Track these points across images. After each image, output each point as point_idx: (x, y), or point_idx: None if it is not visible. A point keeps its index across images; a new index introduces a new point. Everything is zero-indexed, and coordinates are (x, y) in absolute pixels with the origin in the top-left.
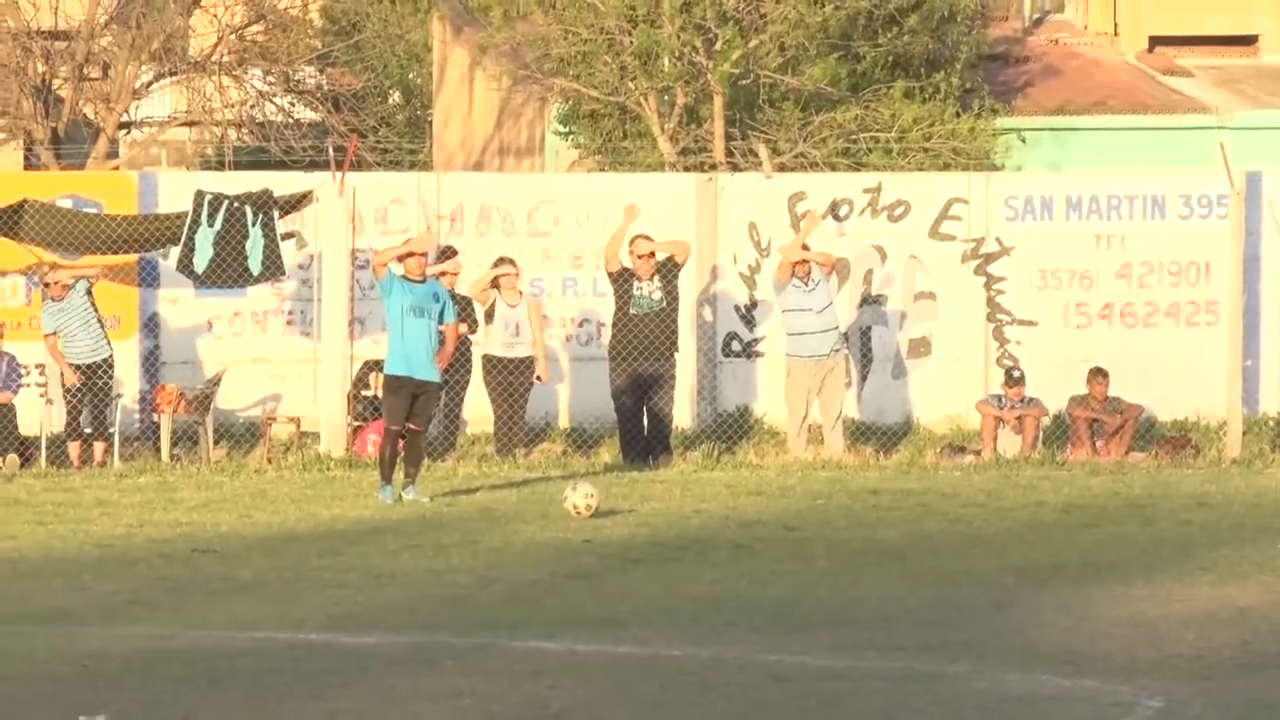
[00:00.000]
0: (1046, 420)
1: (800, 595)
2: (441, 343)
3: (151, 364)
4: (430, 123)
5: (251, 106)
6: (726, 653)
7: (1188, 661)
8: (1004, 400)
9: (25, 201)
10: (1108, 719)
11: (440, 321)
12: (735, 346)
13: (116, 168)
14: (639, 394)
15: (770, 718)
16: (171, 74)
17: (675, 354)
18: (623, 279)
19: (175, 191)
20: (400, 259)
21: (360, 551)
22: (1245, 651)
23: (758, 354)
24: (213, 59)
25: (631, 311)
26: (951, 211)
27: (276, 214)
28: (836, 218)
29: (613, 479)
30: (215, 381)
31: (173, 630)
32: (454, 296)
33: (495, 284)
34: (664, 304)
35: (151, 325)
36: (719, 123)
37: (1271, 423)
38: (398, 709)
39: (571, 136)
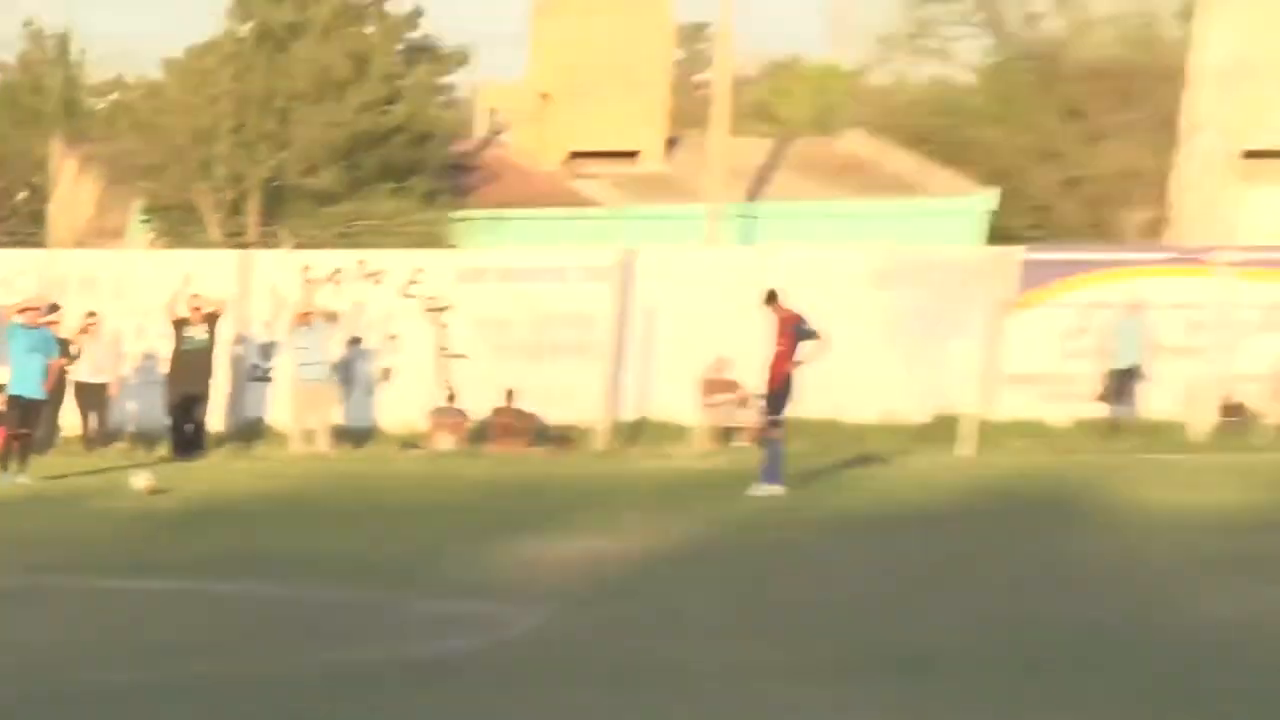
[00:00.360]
0: (471, 424)
1: (284, 545)
2: (48, 372)
3: None
4: (47, 213)
5: None
6: (220, 587)
7: (570, 590)
8: (443, 411)
9: None
10: (497, 630)
11: (47, 357)
12: (257, 373)
13: None
14: (186, 408)
15: (226, 631)
16: None
17: (211, 379)
18: (179, 325)
19: None
20: (20, 311)
21: None
22: (601, 585)
23: (269, 379)
24: None
25: (183, 349)
26: (416, 278)
27: None
28: (335, 282)
29: (165, 467)
30: None
31: None
32: (57, 339)
33: (85, 330)
34: (207, 344)
35: None
36: (254, 214)
37: (627, 427)
38: None
39: (149, 224)
